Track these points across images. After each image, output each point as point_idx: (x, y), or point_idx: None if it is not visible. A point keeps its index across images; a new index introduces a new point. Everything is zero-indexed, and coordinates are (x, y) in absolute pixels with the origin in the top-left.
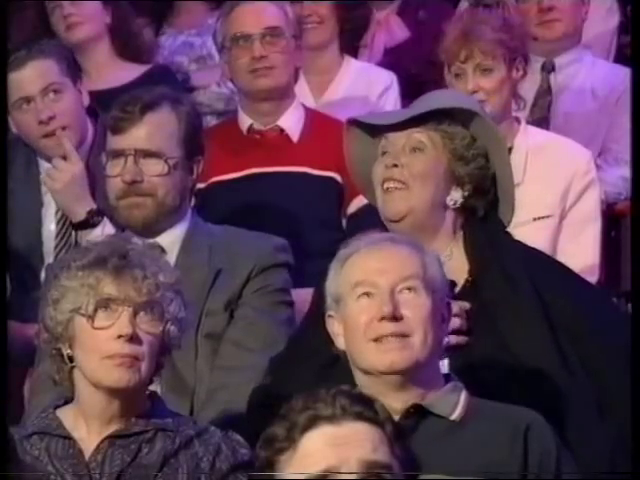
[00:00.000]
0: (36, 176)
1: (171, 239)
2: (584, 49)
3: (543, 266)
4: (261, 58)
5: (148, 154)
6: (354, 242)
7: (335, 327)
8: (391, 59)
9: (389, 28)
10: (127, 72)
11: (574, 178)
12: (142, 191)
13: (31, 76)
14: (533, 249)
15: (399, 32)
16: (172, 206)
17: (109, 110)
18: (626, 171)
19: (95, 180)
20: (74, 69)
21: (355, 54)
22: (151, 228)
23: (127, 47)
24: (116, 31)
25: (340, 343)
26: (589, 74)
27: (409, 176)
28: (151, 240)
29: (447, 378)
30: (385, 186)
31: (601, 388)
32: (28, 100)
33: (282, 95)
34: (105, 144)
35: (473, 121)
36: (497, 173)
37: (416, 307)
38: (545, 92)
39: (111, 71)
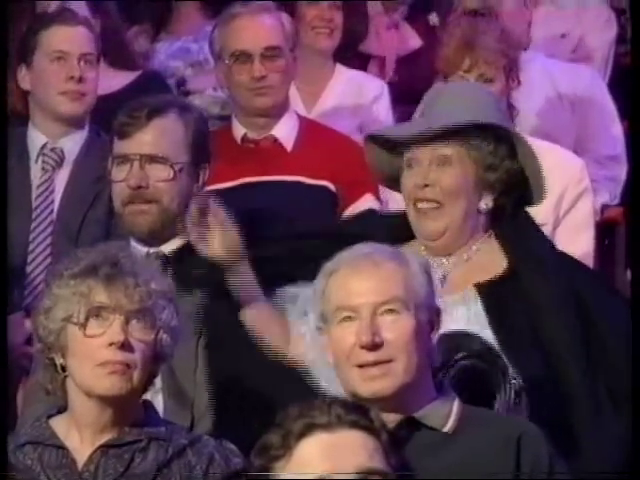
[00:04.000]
0: (27, 168)
1: (175, 248)
2: (535, 51)
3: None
4: (261, 78)
5: (153, 159)
6: (338, 256)
7: (324, 341)
8: (395, 68)
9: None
10: (118, 80)
11: (568, 186)
12: (147, 197)
13: None
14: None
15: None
16: (177, 213)
17: (104, 117)
18: (609, 171)
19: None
20: None
21: (349, 62)
22: (157, 235)
23: (118, 57)
24: (106, 41)
25: (330, 358)
26: (544, 75)
27: (441, 194)
28: (154, 249)
29: (440, 386)
30: (418, 206)
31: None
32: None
33: (279, 112)
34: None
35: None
36: (524, 164)
37: (398, 330)
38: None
39: (102, 80)
